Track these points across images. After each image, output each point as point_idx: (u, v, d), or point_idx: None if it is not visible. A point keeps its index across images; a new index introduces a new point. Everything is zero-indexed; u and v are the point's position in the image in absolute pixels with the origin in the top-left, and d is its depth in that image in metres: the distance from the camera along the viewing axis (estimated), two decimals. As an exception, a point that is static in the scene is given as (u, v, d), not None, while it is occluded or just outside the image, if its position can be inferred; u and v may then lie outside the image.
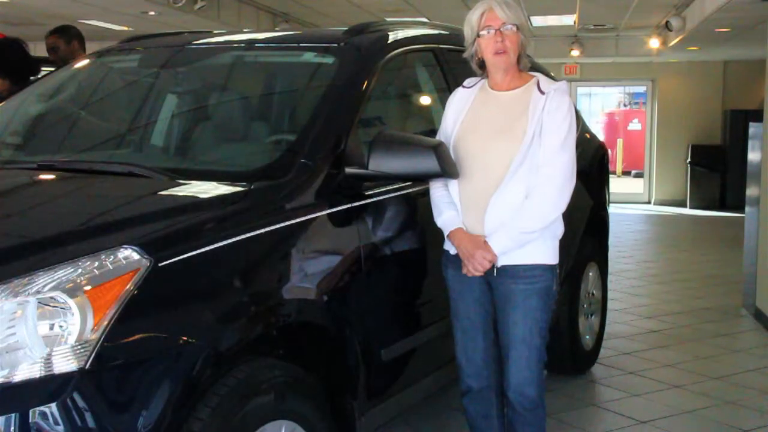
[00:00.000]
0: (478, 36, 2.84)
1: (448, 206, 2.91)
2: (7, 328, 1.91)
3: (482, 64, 2.93)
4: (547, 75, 3.33)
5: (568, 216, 2.97)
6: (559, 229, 2.92)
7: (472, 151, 2.86)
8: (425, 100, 3.80)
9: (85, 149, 3.29)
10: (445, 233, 2.92)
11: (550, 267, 2.88)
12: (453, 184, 2.90)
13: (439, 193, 2.94)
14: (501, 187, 2.79)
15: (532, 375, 2.88)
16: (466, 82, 3.03)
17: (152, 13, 9.76)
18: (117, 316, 1.96)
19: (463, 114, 2.94)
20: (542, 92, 2.84)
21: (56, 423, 1.87)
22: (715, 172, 13.97)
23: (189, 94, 3.59)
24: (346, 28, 3.36)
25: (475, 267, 2.81)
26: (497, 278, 2.86)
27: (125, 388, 1.97)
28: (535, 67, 3.26)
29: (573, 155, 2.84)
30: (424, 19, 9.56)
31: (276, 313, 2.44)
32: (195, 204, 2.48)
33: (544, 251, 2.86)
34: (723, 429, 4.06)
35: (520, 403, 2.89)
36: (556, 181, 2.78)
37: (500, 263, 2.83)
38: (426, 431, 3.96)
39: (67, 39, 5.09)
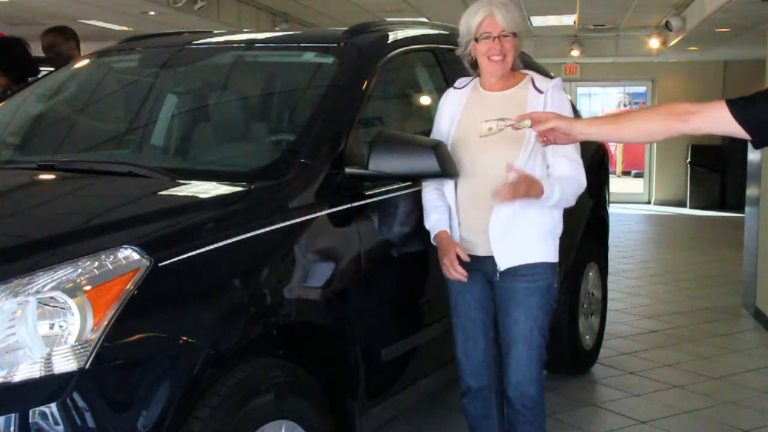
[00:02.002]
0: (476, 40, 2.84)
1: (436, 210, 2.92)
2: (7, 328, 1.92)
3: (475, 63, 2.93)
4: (544, 73, 3.32)
5: (568, 216, 2.97)
6: (559, 228, 2.93)
7: (471, 152, 2.86)
8: (425, 100, 3.79)
9: (85, 149, 3.29)
10: (432, 235, 2.93)
11: (551, 265, 2.88)
12: (449, 185, 2.90)
13: (430, 196, 2.95)
14: (502, 187, 2.79)
15: (533, 373, 2.88)
16: (456, 83, 3.03)
17: (152, 13, 9.76)
18: (117, 316, 1.96)
19: (458, 115, 2.93)
20: (539, 91, 2.84)
21: (56, 423, 1.87)
22: (715, 172, 13.96)
23: (189, 94, 3.59)
24: (346, 28, 3.36)
25: (450, 260, 2.83)
26: (498, 277, 2.87)
27: (125, 388, 1.97)
28: (532, 65, 3.26)
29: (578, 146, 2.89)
30: (424, 19, 9.57)
31: (276, 313, 2.43)
32: (195, 204, 2.48)
33: (545, 250, 2.87)
34: (723, 429, 4.06)
35: (521, 402, 2.89)
36: (577, 167, 2.84)
37: (502, 266, 2.83)
38: (426, 431, 3.96)
39: (66, 37, 5.10)
